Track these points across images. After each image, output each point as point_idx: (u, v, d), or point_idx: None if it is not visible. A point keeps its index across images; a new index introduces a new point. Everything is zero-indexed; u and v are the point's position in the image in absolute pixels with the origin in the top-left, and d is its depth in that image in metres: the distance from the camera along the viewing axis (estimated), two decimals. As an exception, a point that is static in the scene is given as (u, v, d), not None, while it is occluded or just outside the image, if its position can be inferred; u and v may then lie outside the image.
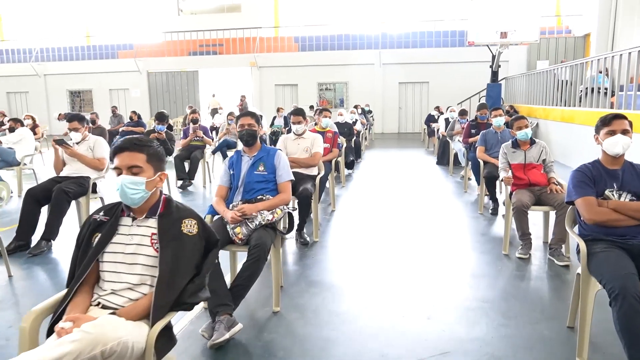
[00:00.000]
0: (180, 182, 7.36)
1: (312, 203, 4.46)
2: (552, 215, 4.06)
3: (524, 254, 3.99)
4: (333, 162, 5.86)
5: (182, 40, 19.92)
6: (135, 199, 1.89)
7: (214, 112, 22.08)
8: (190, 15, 21.78)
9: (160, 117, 6.53)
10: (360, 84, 18.65)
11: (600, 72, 8.17)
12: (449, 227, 5.06)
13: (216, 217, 3.19)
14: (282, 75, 19.21)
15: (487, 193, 5.65)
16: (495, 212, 5.47)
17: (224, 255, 3.15)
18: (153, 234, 1.92)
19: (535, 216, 4.44)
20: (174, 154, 7.64)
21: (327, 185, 5.92)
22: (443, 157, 9.51)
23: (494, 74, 13.77)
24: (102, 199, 5.02)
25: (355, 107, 12.93)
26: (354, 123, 10.52)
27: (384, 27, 19.22)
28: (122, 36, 21.40)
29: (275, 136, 12.13)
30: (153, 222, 1.95)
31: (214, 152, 8.86)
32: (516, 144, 4.37)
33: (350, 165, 8.62)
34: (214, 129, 13.82)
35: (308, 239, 4.50)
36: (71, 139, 4.92)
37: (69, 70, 20.65)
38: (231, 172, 3.32)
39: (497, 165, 5.36)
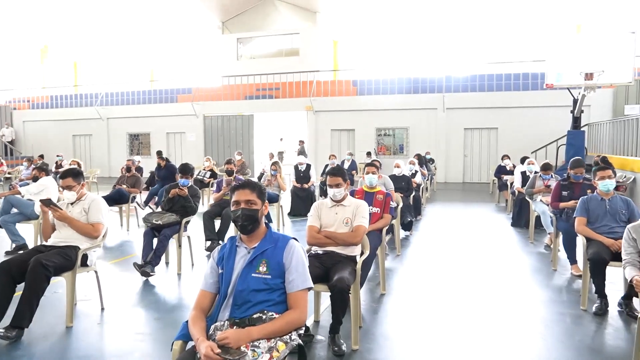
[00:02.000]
0: (208, 244, 6.40)
1: (351, 297, 3.29)
2: None
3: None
4: (384, 230, 4.67)
5: (239, 85, 19.74)
6: None
7: (281, 156, 21.67)
8: (248, 60, 21.73)
9: (184, 170, 5.63)
10: (422, 130, 17.42)
11: None
12: (540, 333, 3.66)
13: (190, 343, 2.09)
14: (339, 119, 18.38)
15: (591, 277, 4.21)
16: (602, 311, 3.96)
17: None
18: None
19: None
20: (205, 209, 6.74)
21: (377, 258, 4.71)
22: (520, 218, 8.01)
23: (576, 120, 12.12)
24: (96, 273, 4.10)
25: (415, 156, 11.59)
26: (413, 175, 9.29)
27: (448, 70, 18.06)
28: (182, 81, 21.66)
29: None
30: None
31: (253, 206, 7.91)
32: (651, 226, 3.00)
33: (408, 226, 7.35)
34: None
35: (344, 346, 3.28)
36: (62, 199, 4.09)
37: (130, 114, 20.98)
38: (220, 271, 2.24)
39: (605, 245, 4.00)
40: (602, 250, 3.96)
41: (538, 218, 6.87)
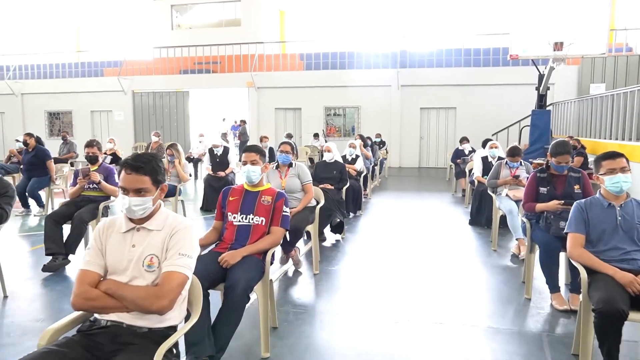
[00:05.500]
0: (49, 260, 4.50)
1: None
2: None
3: None
4: (269, 254, 2.93)
5: (172, 58, 17.47)
6: None
7: (224, 137, 19.56)
8: (185, 30, 19.44)
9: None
10: (375, 109, 15.76)
11: None
12: None
13: None
14: (284, 97, 16.49)
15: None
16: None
17: None
18: None
19: None
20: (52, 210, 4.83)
21: (253, 297, 2.97)
22: (479, 215, 6.43)
23: (541, 98, 10.73)
24: None
25: (357, 137, 9.76)
26: (354, 160, 7.61)
27: (403, 44, 16.40)
28: (109, 52, 19.17)
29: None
30: None
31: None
32: None
33: (338, 228, 5.67)
34: (191, 159, 11.06)
35: None
36: None
37: (49, 89, 18.40)
38: None
39: (619, 283, 2.41)
40: (616, 295, 2.35)
41: (503, 217, 5.33)
